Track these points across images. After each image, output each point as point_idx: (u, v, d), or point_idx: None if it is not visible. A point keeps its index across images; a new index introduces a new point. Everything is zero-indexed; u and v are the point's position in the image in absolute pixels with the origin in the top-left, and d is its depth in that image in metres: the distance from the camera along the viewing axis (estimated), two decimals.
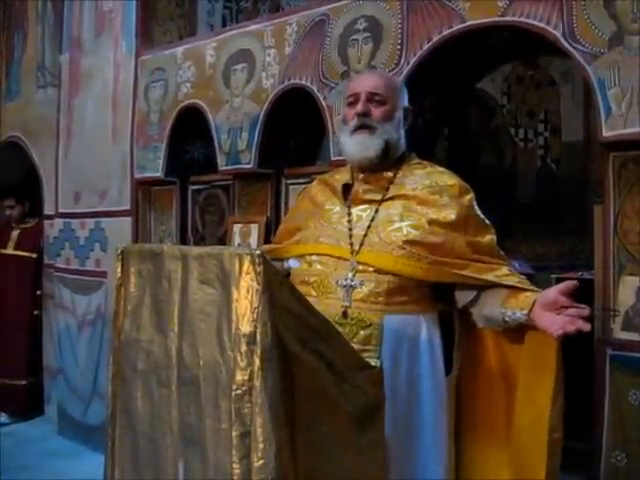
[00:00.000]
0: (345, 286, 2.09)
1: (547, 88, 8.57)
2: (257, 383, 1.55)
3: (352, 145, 2.19)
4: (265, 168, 3.87)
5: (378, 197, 2.18)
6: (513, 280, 2.08)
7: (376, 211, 2.16)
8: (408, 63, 3.19)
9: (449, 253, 2.09)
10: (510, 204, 8.40)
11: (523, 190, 8.62)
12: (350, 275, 2.10)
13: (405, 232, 2.09)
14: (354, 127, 2.18)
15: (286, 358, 1.61)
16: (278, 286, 1.62)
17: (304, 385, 1.66)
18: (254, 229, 3.91)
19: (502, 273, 2.10)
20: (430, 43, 3.12)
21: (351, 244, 2.14)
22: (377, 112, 2.17)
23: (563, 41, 2.72)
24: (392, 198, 2.17)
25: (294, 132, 3.87)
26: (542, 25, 2.77)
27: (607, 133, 2.61)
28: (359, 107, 2.18)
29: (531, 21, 2.80)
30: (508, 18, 2.89)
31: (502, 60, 3.91)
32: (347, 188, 2.25)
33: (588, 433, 2.77)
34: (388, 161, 2.21)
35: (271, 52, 3.78)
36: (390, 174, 2.21)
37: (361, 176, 2.23)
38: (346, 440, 1.76)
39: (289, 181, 3.87)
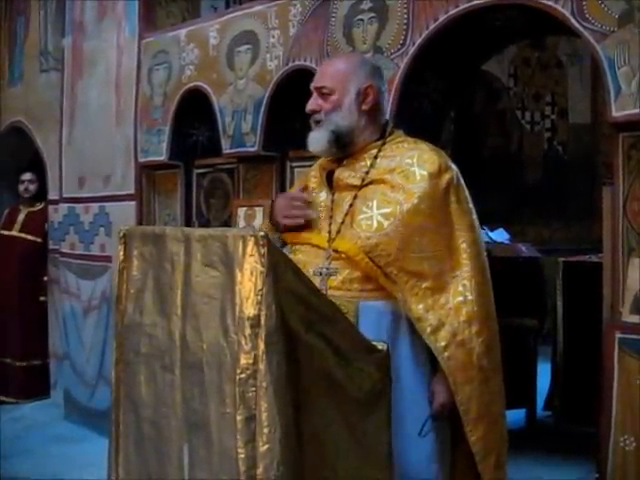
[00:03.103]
0: (321, 274, 2.08)
1: (554, 70, 8.52)
2: (262, 366, 1.53)
3: (308, 141, 2.21)
4: (270, 151, 3.84)
5: (358, 182, 2.15)
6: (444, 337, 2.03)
7: (355, 197, 2.14)
8: (414, 44, 3.15)
9: (415, 251, 2.04)
10: (517, 187, 8.39)
11: (530, 173, 8.60)
12: (326, 263, 2.09)
13: (375, 222, 2.07)
14: (312, 124, 2.21)
15: (291, 341, 1.59)
16: (282, 268, 1.59)
17: (309, 368, 1.64)
18: (259, 212, 3.88)
19: (452, 303, 2.04)
20: (436, 23, 3.08)
21: (329, 232, 2.13)
22: (325, 105, 2.17)
23: (572, 20, 2.67)
24: (371, 182, 2.14)
25: (299, 114, 3.82)
26: (550, 3, 2.73)
27: (616, 113, 2.57)
28: (307, 106, 2.21)
29: None
30: None
31: (509, 40, 3.86)
32: (332, 175, 2.23)
33: (596, 417, 2.75)
34: (353, 146, 2.18)
35: (275, 33, 3.75)
36: (371, 156, 2.17)
37: (344, 161, 2.21)
38: (352, 424, 1.74)
39: (294, 164, 3.84)
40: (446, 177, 2.11)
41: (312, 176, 2.33)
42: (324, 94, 2.17)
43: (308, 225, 2.20)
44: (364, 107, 2.17)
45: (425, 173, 2.09)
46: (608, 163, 2.85)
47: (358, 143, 2.18)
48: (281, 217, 2.21)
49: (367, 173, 2.15)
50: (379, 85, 2.21)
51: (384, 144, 2.19)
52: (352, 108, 2.16)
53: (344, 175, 2.18)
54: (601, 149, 7.96)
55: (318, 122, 2.18)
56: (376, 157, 2.17)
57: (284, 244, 2.26)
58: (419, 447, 2.07)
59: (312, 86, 2.22)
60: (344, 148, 2.18)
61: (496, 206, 6.96)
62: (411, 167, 2.11)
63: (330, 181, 2.23)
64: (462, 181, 2.16)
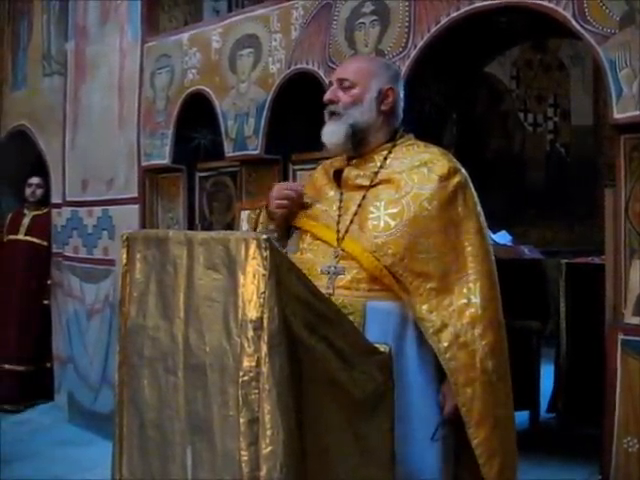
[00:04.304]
0: (328, 273, 2.09)
1: (556, 72, 8.52)
2: (264, 369, 1.53)
3: (323, 133, 2.21)
4: (272, 154, 3.84)
5: (367, 182, 2.16)
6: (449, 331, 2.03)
7: (363, 197, 2.15)
8: (415, 46, 3.16)
9: (421, 252, 2.05)
10: (519, 189, 8.39)
11: (532, 175, 8.60)
12: (334, 262, 2.10)
13: (383, 222, 2.08)
14: (327, 115, 2.21)
15: (294, 344, 1.59)
16: (285, 271, 1.60)
17: (312, 371, 1.64)
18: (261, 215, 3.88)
19: (456, 305, 2.05)
20: (438, 26, 3.09)
21: (338, 231, 2.14)
22: (345, 98, 2.18)
23: (573, 22, 2.68)
24: (380, 183, 2.15)
25: (301, 117, 3.84)
26: (552, 6, 2.74)
27: (618, 115, 2.58)
28: (325, 95, 2.21)
29: (540, 1, 2.76)
30: None
31: (511, 43, 3.86)
32: (340, 174, 2.24)
33: (600, 419, 2.75)
34: (366, 145, 2.19)
35: (277, 37, 3.75)
36: (381, 157, 2.18)
37: (354, 161, 2.22)
38: (355, 426, 1.75)
39: (296, 167, 3.85)
40: (455, 180, 2.12)
41: (319, 175, 2.34)
42: (345, 87, 2.18)
43: (317, 216, 2.21)
44: (383, 107, 2.18)
45: (434, 175, 2.11)
46: (610, 165, 2.85)
47: (371, 143, 2.20)
48: (273, 200, 2.22)
49: (376, 174, 2.16)
50: (399, 90, 2.24)
51: (394, 146, 2.20)
52: (372, 106, 2.17)
53: (353, 174, 2.19)
54: (603, 151, 7.96)
55: (334, 114, 2.18)
56: (386, 158, 2.18)
57: (288, 229, 2.27)
58: (425, 449, 2.06)
59: (334, 77, 2.23)
60: (358, 145, 2.19)
61: (499, 208, 6.95)
62: (420, 169, 2.13)
63: (338, 179, 2.24)
64: (471, 185, 2.16)
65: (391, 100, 2.19)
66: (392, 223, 2.07)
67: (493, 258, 2.16)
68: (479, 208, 2.16)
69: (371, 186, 2.15)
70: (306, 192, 2.35)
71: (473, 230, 2.11)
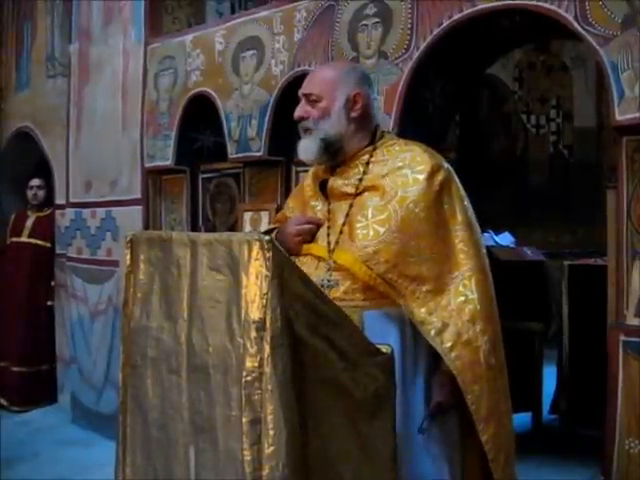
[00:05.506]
0: (322, 286, 2.06)
1: (559, 73, 8.52)
2: (267, 369, 1.54)
3: (298, 151, 2.20)
4: (275, 155, 3.86)
5: (352, 191, 2.15)
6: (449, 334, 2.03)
7: (350, 206, 2.13)
8: (418, 48, 3.17)
9: (413, 255, 2.04)
10: (522, 190, 8.39)
11: (535, 176, 8.60)
12: (327, 275, 2.09)
13: (372, 230, 2.06)
14: (301, 131, 2.20)
15: (296, 344, 1.60)
16: (288, 272, 1.61)
17: (314, 372, 1.65)
18: (265, 216, 3.90)
19: (455, 304, 2.04)
20: (440, 28, 3.10)
21: (328, 243, 2.13)
22: (313, 112, 2.16)
23: (575, 24, 2.69)
24: (365, 190, 2.13)
25: None
26: (554, 8, 2.74)
27: (620, 117, 2.59)
28: (295, 113, 2.20)
29: (542, 4, 2.77)
30: (519, 1, 2.86)
31: (514, 44, 3.88)
32: (326, 184, 2.23)
33: (602, 420, 2.75)
34: (343, 154, 2.17)
35: (280, 38, 3.77)
36: (363, 162, 2.17)
37: (337, 170, 2.21)
38: (356, 426, 1.76)
39: (299, 168, 3.86)
40: (439, 178, 2.10)
41: (307, 185, 2.33)
42: (312, 101, 2.16)
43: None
44: (353, 114, 2.16)
45: (417, 176, 2.09)
46: (613, 166, 2.85)
47: (348, 150, 2.18)
48: (292, 238, 2.18)
49: (361, 180, 2.14)
50: (368, 92, 2.21)
51: (375, 149, 2.18)
52: (341, 115, 2.15)
53: (338, 184, 2.18)
54: (606, 152, 7.96)
55: (307, 130, 2.17)
56: (368, 163, 2.16)
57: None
58: (429, 449, 2.07)
59: (300, 93, 2.21)
60: (334, 156, 2.17)
61: (501, 209, 6.97)
62: (403, 171, 2.11)
63: (324, 190, 2.23)
64: (456, 179, 2.15)
65: (360, 105, 2.16)
66: (381, 230, 2.05)
67: (484, 251, 2.15)
68: (466, 202, 2.14)
69: (357, 194, 2.14)
70: (294, 204, 2.36)
71: (461, 225, 2.10)
